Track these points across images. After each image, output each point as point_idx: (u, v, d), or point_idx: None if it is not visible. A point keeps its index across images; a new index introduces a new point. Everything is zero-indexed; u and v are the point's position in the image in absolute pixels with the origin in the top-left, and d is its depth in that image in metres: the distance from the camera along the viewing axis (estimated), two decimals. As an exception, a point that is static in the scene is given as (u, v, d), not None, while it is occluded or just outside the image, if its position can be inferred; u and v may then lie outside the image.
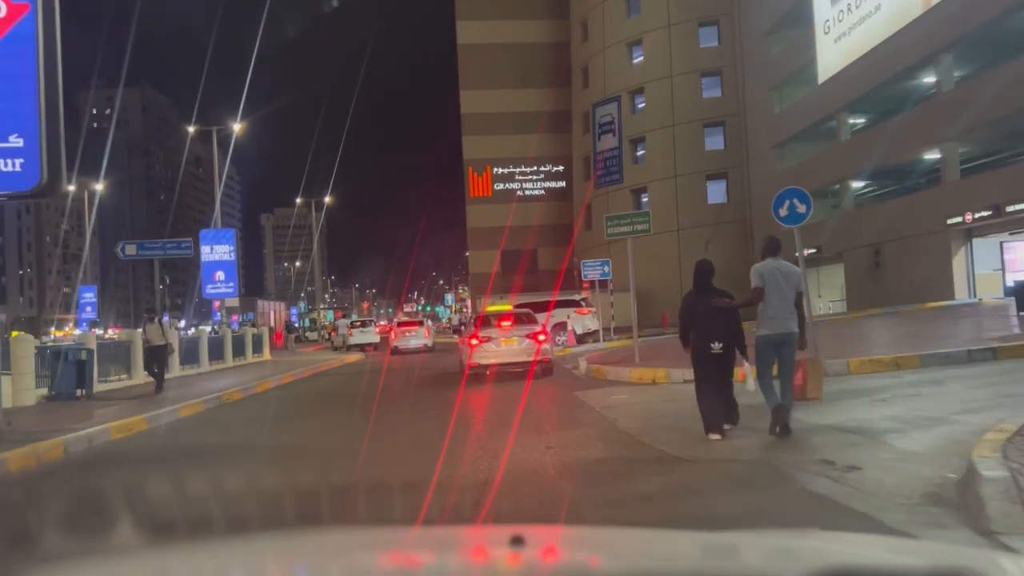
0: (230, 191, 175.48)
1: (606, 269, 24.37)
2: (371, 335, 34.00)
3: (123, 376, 16.20)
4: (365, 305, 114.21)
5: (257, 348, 26.45)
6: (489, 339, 14.20)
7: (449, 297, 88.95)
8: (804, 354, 7.41)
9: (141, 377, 16.59)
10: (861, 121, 34.25)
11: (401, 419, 9.71)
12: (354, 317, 49.59)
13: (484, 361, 14.12)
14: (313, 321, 63.50)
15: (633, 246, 37.28)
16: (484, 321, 15.35)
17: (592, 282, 26.52)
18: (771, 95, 40.17)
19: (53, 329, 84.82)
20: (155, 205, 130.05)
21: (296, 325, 68.05)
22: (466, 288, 70.31)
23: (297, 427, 10.05)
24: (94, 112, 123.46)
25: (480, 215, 55.19)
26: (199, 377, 18.32)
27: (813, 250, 36.27)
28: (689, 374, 11.53)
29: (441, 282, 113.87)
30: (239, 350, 24.25)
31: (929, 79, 28.36)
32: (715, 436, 6.71)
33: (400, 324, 32.32)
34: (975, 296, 25.94)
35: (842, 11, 31.65)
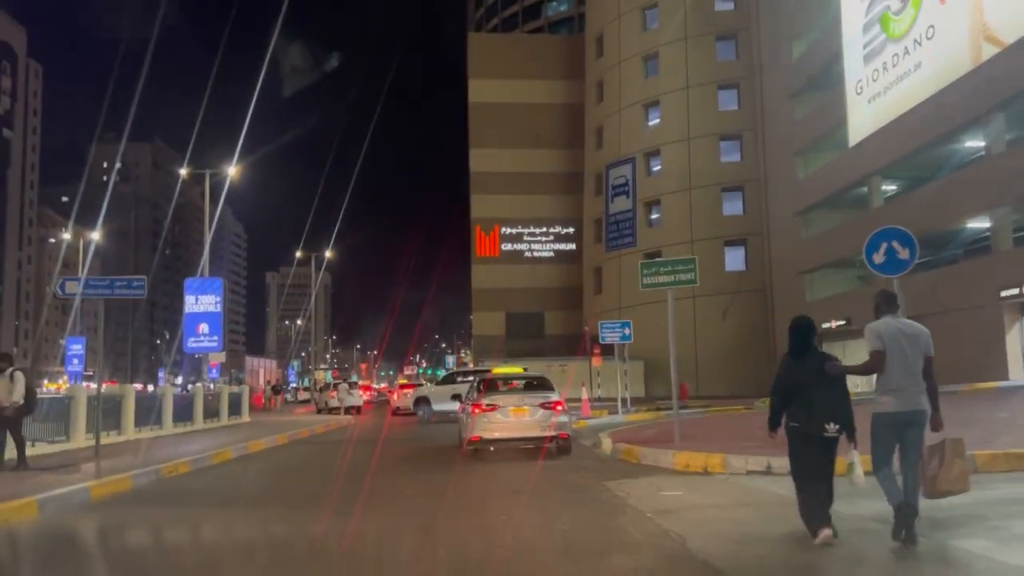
0: (236, 249, 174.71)
1: (627, 332, 21.64)
2: (355, 398, 32.86)
3: (60, 438, 13.64)
4: (364, 366, 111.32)
5: (235, 409, 23.79)
6: (495, 407, 11.86)
7: (450, 360, 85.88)
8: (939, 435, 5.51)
9: (82, 440, 14.04)
10: (893, 188, 32.20)
11: (361, 529, 6.69)
12: (353, 378, 47.38)
13: (488, 435, 11.83)
14: (314, 382, 61.17)
15: (646, 314, 34.67)
16: (490, 386, 13.12)
17: (611, 346, 23.84)
18: (795, 160, 38.33)
19: (46, 381, 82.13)
20: (161, 260, 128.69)
21: (292, 385, 65.27)
22: (469, 351, 67.69)
23: (216, 534, 7.17)
24: (104, 166, 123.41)
25: (486, 276, 53.09)
26: (155, 442, 15.73)
27: (842, 322, 33.87)
28: (754, 462, 9.05)
29: (444, 345, 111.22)
30: (212, 411, 21.63)
31: (975, 142, 26.36)
32: (826, 533, 5.09)
33: (401, 386, 33.02)
34: (1033, 377, 23.34)
35: (877, 70, 29.89)
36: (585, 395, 22.68)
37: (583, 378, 31.52)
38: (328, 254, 44.58)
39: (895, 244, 8.24)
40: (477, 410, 11.97)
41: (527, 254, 53.76)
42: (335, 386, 34.28)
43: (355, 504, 7.73)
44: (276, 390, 37.17)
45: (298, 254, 45.97)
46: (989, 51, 23.49)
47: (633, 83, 46.69)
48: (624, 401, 23.42)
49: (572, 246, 53.73)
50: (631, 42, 47.11)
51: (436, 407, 23.80)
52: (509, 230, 53.37)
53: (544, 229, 54.43)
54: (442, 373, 44.43)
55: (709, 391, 37.89)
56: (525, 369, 15.09)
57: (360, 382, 47.24)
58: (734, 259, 43.36)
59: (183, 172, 29.30)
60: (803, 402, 5.32)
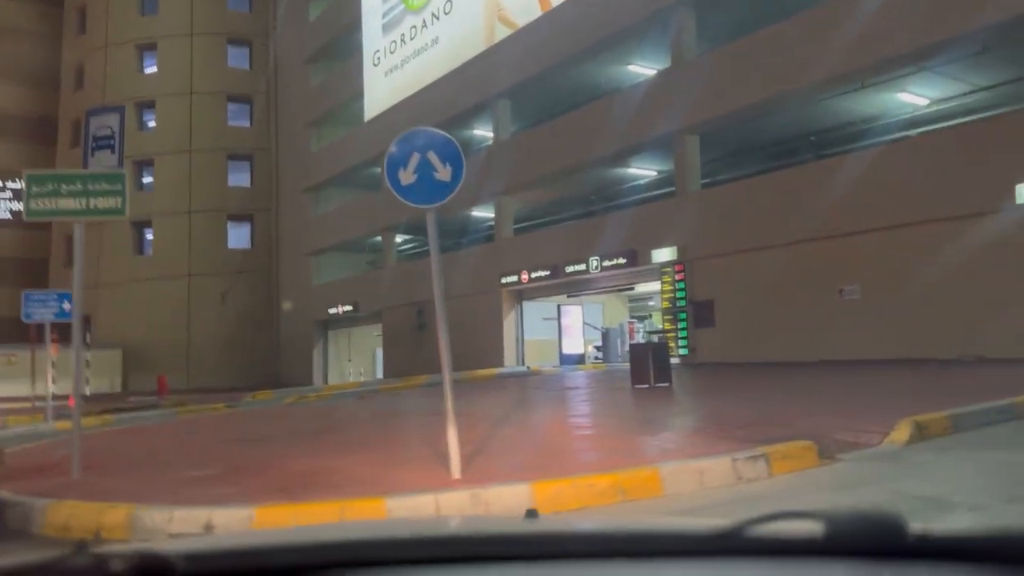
0: None
1: (66, 307, 15.61)
2: None
3: None
4: None
5: None
6: None
7: None
8: None
9: None
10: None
11: None
12: None
13: None
14: None
15: (130, 294, 27.86)
16: None
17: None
18: (309, 132, 35.48)
19: None
20: None
21: None
22: None
23: None
24: None
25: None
26: None
27: (349, 307, 31.85)
28: (184, 519, 5.15)
29: None
30: None
31: (485, 129, 26.21)
32: None
33: None
34: (524, 364, 23.67)
35: (395, 42, 28.35)
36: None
37: (39, 370, 24.07)
38: None
39: (432, 157, 5.07)
40: None
41: (-28, 213, 41.93)
42: None
43: None
44: None
45: None
46: (503, 32, 23.16)
47: (125, 17, 38.98)
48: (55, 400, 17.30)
49: (38, 207, 43.39)
50: (124, -34, 39.39)
51: None
52: (-55, 180, 40.95)
53: (1, 184, 43.08)
54: None
55: (203, 383, 32.96)
56: None
57: None
58: (239, 236, 38.86)
59: None
60: None
